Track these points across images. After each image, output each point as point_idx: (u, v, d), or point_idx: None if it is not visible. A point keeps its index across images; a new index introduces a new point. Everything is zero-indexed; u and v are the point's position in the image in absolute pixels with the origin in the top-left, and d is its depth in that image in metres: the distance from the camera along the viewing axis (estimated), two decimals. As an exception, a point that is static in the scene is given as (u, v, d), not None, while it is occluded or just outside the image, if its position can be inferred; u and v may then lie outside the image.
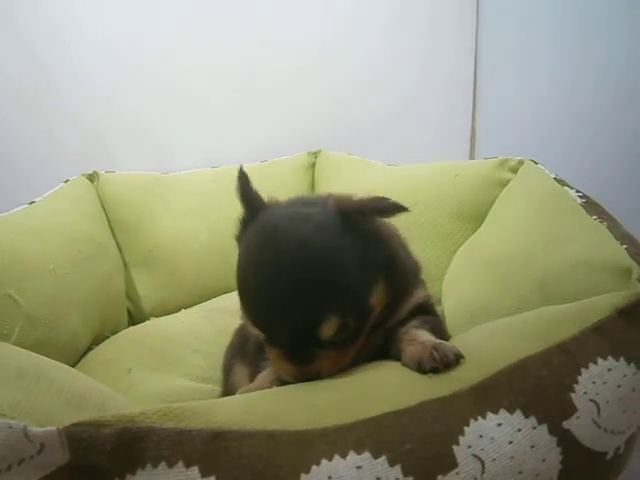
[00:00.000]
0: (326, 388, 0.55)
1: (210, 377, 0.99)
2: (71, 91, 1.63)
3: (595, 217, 0.88)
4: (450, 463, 0.47)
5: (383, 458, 0.46)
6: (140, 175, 1.51)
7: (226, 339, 1.08)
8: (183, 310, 1.32)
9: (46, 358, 0.69)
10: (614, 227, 0.84)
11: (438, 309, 1.19)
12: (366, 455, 0.46)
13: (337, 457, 0.46)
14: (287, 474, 0.45)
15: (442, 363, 0.56)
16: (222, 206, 1.51)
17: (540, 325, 0.61)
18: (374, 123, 1.87)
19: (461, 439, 0.48)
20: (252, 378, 0.71)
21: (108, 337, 1.21)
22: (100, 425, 0.45)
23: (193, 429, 0.46)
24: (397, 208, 0.62)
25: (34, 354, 0.68)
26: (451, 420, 0.50)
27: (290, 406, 0.51)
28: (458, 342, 0.65)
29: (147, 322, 1.28)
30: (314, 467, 0.45)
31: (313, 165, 1.69)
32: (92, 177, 1.43)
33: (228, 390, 0.80)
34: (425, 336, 0.65)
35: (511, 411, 0.51)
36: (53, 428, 0.44)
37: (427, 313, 0.74)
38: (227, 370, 0.83)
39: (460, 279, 1.06)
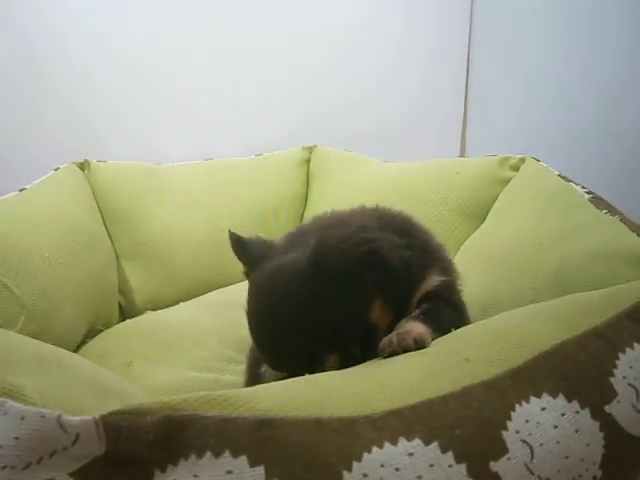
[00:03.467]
0: (367, 375, 0.54)
1: (214, 367, 0.96)
2: (63, 80, 1.57)
3: (605, 211, 0.90)
4: (501, 449, 0.46)
5: (435, 444, 0.45)
6: (133, 165, 1.46)
7: (229, 331, 1.06)
8: (181, 303, 1.28)
9: (57, 347, 0.65)
10: (626, 220, 0.85)
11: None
12: (417, 442, 0.45)
13: (387, 444, 0.44)
14: (338, 462, 0.43)
15: (400, 347, 0.59)
16: (216, 199, 1.49)
17: (573, 311, 0.61)
18: (367, 122, 1.87)
19: (509, 424, 0.48)
20: None
21: (102, 331, 1.17)
22: (141, 413, 0.42)
23: (239, 417, 0.44)
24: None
25: (44, 343, 0.65)
26: (497, 405, 0.49)
27: (334, 392, 0.49)
28: (488, 325, 0.65)
29: (144, 315, 1.24)
30: (365, 454, 0.43)
31: (308, 160, 1.66)
32: (83, 166, 1.38)
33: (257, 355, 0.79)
34: (409, 326, 0.64)
35: (554, 395, 0.51)
36: (89, 417, 0.42)
37: (441, 300, 0.72)
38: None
39: (467, 275, 1.06)
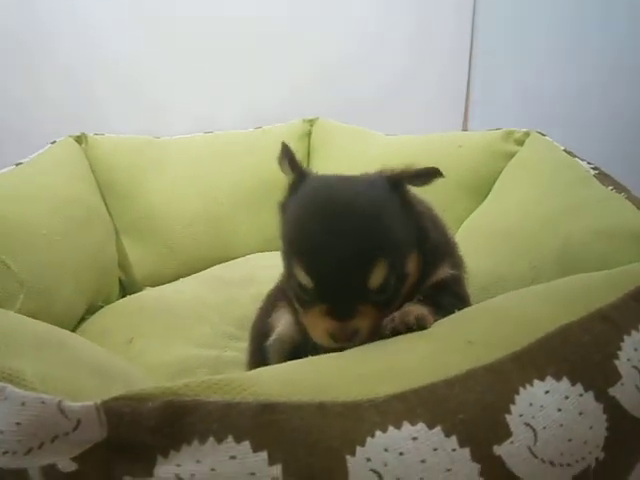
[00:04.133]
0: (370, 358, 0.53)
1: (216, 343, 0.96)
2: (65, 47, 1.53)
3: (611, 188, 0.88)
4: (504, 433, 0.46)
5: (438, 429, 0.45)
6: (131, 138, 1.43)
7: (230, 308, 1.06)
8: (181, 279, 1.28)
9: (56, 327, 0.65)
10: (632, 198, 0.84)
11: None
12: (421, 426, 0.45)
13: (391, 428, 0.44)
14: (341, 447, 0.43)
15: (402, 323, 0.59)
16: (216, 172, 1.47)
17: (576, 292, 0.60)
18: (368, 93, 1.83)
19: (512, 408, 0.47)
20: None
21: (102, 307, 1.17)
22: (142, 399, 0.42)
23: (241, 401, 0.43)
24: (434, 173, 0.67)
25: (43, 322, 0.64)
26: (501, 388, 0.48)
27: (337, 376, 0.49)
28: (490, 307, 0.64)
29: (144, 291, 1.23)
30: (369, 439, 0.43)
31: (309, 133, 1.63)
32: (80, 139, 1.35)
33: (263, 329, 0.79)
34: (411, 307, 0.64)
35: (558, 378, 0.50)
36: (91, 403, 0.41)
37: (446, 291, 0.72)
38: (268, 308, 0.82)
39: (468, 251, 1.05)
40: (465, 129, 1.91)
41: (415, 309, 0.62)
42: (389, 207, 0.65)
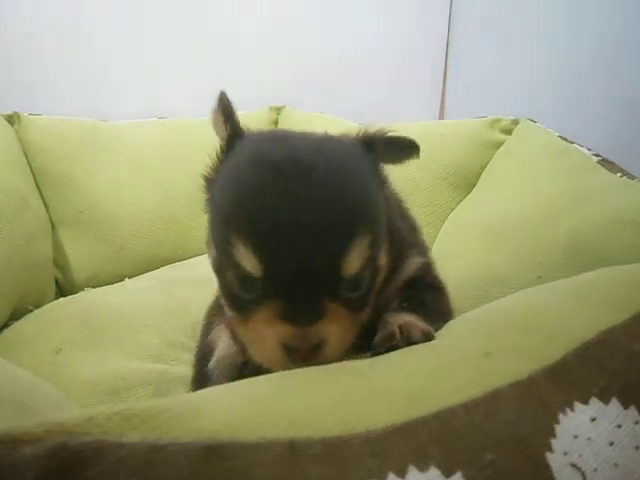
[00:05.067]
0: (356, 376, 0.39)
1: (162, 356, 0.81)
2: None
3: (620, 174, 0.78)
4: (545, 478, 0.33)
5: (458, 476, 0.31)
6: (72, 121, 1.26)
7: (183, 315, 0.90)
8: (127, 279, 1.12)
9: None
10: (645, 184, 0.73)
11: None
12: (434, 473, 0.31)
13: (392, 476, 0.31)
14: (322, 507, 0.29)
15: (404, 341, 0.46)
16: (169, 163, 1.32)
17: (613, 289, 0.48)
18: (340, 80, 1.71)
19: (554, 443, 0.35)
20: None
21: (31, 311, 1.00)
22: (17, 441, 0.27)
23: (173, 442, 0.29)
24: (411, 146, 0.53)
25: None
26: (536, 415, 0.36)
27: (311, 399, 0.35)
28: (506, 308, 0.52)
29: (81, 293, 1.06)
30: (362, 494, 0.30)
31: (275, 122, 1.51)
32: (12, 119, 1.18)
33: (203, 350, 0.62)
34: (405, 318, 0.51)
35: (605, 400, 0.38)
36: None
37: (423, 285, 0.60)
38: (207, 326, 0.64)
39: (459, 248, 0.93)
40: (442, 118, 1.81)
41: (414, 320, 0.49)
42: (365, 170, 0.50)
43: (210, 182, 0.55)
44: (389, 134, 0.53)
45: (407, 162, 0.54)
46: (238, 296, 0.47)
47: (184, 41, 1.55)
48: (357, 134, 0.53)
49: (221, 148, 0.53)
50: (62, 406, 0.48)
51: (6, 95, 1.35)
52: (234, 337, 0.54)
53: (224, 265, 0.47)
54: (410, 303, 0.54)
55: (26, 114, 1.21)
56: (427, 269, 0.63)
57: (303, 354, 0.43)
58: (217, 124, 0.53)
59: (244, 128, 0.54)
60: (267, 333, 0.44)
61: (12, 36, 1.38)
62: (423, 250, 0.65)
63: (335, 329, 0.44)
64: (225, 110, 0.52)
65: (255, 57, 1.62)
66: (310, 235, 0.43)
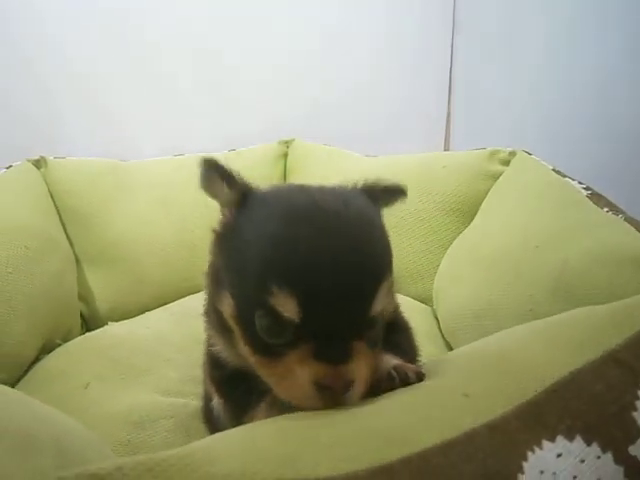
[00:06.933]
0: (342, 417, 0.45)
1: (182, 390, 0.87)
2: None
3: (607, 209, 0.83)
4: (513, 512, 0.38)
5: (433, 511, 0.37)
6: (95, 161, 1.35)
7: (199, 347, 0.96)
8: (147, 313, 1.18)
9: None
10: (630, 220, 0.78)
11: (428, 310, 1.13)
12: (413, 508, 0.37)
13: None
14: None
15: (401, 382, 0.50)
16: (187, 199, 1.39)
17: (583, 330, 0.52)
18: (346, 114, 1.78)
19: (521, 479, 0.40)
20: None
21: (60, 345, 1.06)
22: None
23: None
24: (400, 190, 0.62)
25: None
26: (506, 453, 0.40)
27: (301, 441, 0.41)
28: (485, 350, 0.56)
29: (105, 327, 1.13)
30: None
31: (285, 155, 1.57)
32: (39, 163, 1.26)
33: (208, 390, 0.68)
34: (390, 360, 0.55)
35: (570, 437, 0.43)
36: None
37: (396, 327, 0.63)
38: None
39: (457, 277, 0.98)
40: (447, 149, 1.87)
41: (403, 363, 0.53)
42: (379, 216, 0.56)
43: (223, 237, 0.57)
44: (385, 184, 0.60)
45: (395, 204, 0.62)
46: (266, 339, 0.49)
47: (196, 79, 1.63)
48: (359, 185, 0.59)
49: (233, 205, 0.55)
50: (93, 446, 0.53)
51: (27, 143, 1.44)
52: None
53: (248, 313, 0.49)
54: (388, 345, 0.57)
55: (51, 157, 1.29)
56: (397, 311, 0.66)
57: (337, 392, 0.47)
58: (214, 189, 0.55)
59: (251, 185, 0.56)
60: (300, 373, 0.47)
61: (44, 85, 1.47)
62: (392, 292, 0.67)
63: (363, 366, 0.48)
64: (224, 174, 0.54)
65: (268, 91, 1.70)
66: (347, 281, 0.47)
